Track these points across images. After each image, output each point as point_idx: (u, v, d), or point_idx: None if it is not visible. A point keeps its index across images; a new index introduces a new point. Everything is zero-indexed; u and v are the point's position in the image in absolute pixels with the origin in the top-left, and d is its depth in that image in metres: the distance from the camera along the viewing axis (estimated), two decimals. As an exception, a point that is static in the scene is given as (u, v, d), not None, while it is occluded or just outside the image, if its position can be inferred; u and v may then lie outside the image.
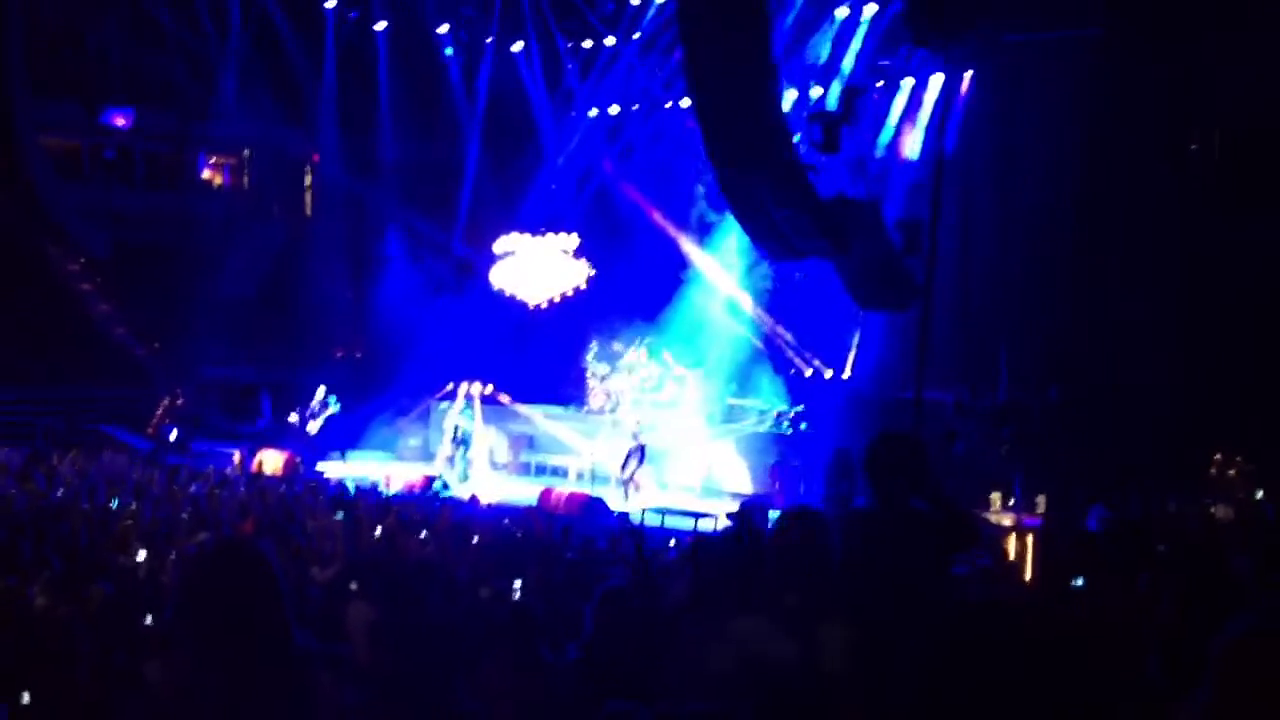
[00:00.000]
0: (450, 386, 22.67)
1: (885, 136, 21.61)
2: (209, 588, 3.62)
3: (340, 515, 11.60)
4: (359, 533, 11.04)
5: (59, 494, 13.96)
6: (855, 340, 21.16)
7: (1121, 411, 16.71)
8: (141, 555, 9.63)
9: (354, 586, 7.24)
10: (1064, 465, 16.58)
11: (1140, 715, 2.72)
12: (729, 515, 15.50)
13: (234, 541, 3.91)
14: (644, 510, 17.76)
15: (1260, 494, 15.07)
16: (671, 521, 16.88)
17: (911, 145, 21.30)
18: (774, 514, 16.60)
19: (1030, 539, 12.24)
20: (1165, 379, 16.28)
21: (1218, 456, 16.18)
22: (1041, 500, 16.59)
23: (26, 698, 4.28)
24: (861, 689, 3.43)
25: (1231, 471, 15.92)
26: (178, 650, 3.76)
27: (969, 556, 5.17)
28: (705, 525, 15.71)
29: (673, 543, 12.32)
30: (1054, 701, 2.07)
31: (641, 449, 19.42)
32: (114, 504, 13.34)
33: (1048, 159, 18.01)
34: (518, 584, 8.07)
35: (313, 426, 22.56)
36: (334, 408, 22.79)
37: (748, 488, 19.79)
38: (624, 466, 19.50)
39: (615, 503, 18.42)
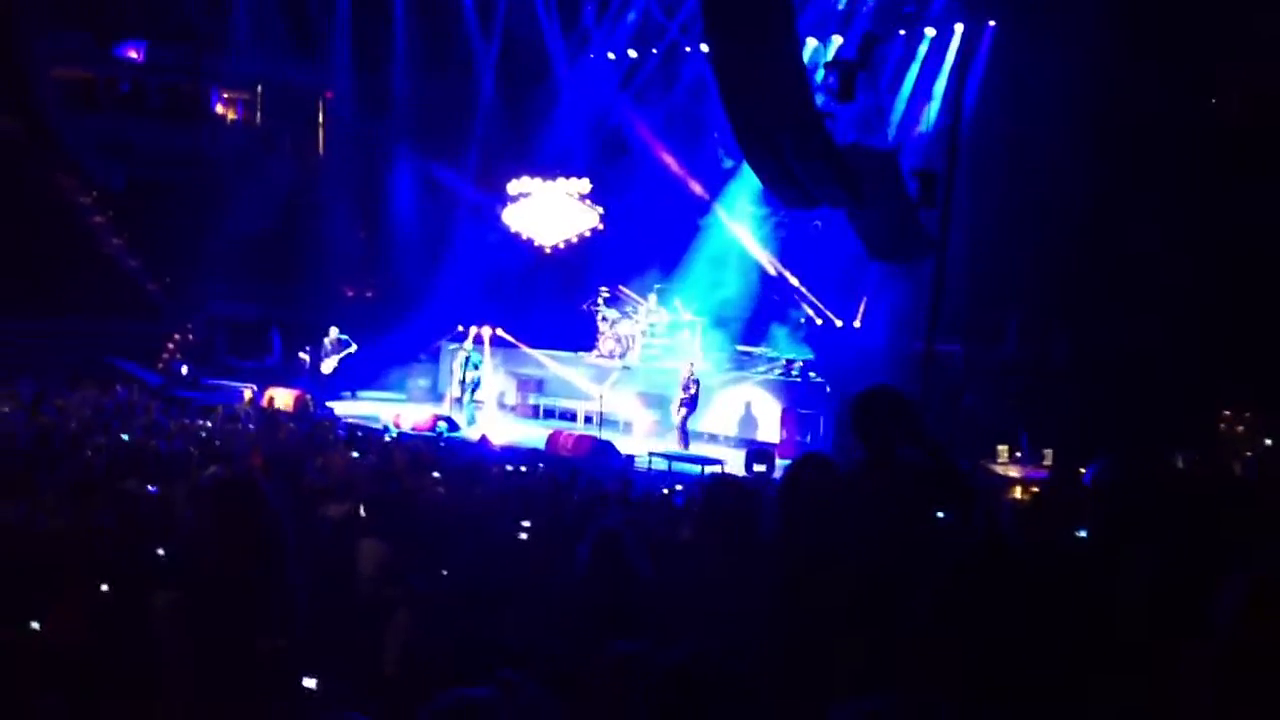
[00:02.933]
0: (460, 328, 22.68)
1: (905, 86, 21.47)
2: (212, 521, 3.67)
3: (354, 454, 11.67)
4: (371, 471, 11.10)
5: (71, 426, 14.01)
6: (867, 292, 21.10)
7: (1131, 366, 16.68)
8: (152, 488, 9.69)
9: (363, 514, 7.30)
10: (1072, 418, 16.57)
11: (1138, 658, 2.73)
12: (745, 460, 15.60)
13: (237, 477, 3.94)
14: (651, 455, 17.83)
15: (1269, 443, 15.10)
16: (679, 468, 16.96)
17: (932, 95, 21.15)
18: (781, 461, 16.74)
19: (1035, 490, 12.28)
20: (1177, 334, 16.24)
21: (1226, 412, 16.18)
22: (1048, 453, 16.61)
23: (35, 625, 4.32)
24: (856, 632, 3.45)
25: (1240, 428, 15.93)
26: (184, 581, 3.81)
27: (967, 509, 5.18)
28: (713, 471, 15.77)
29: (679, 487, 12.37)
30: (1055, 642, 2.08)
31: (693, 399, 19.27)
32: (124, 437, 13.42)
33: (1066, 112, 17.84)
34: (525, 524, 8.11)
35: (327, 365, 22.60)
36: (352, 348, 22.80)
37: (764, 435, 19.79)
38: (677, 411, 19.42)
39: (624, 446, 18.48)
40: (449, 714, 2.74)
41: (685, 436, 19.16)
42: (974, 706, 2.09)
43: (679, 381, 19.47)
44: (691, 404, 19.28)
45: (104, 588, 4.71)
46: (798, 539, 3.95)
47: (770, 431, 19.76)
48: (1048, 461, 16.26)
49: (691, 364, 19.76)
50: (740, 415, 19.90)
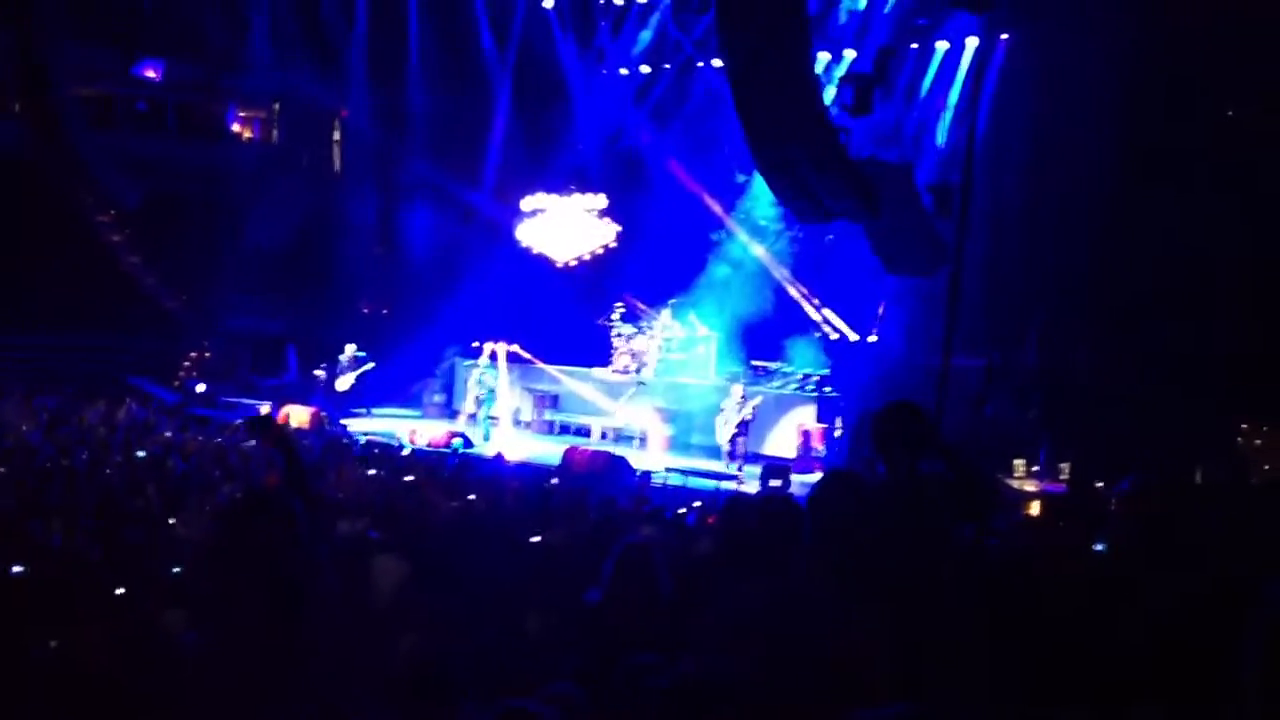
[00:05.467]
0: (476, 344, 22.70)
1: (920, 100, 21.46)
2: (235, 539, 3.66)
3: (370, 470, 11.68)
4: (386, 487, 11.11)
5: (88, 445, 14.06)
6: (883, 304, 21.06)
7: (1152, 377, 16.58)
8: (168, 506, 9.71)
9: (376, 536, 7.29)
10: (1092, 430, 16.49)
11: (1164, 672, 2.70)
12: (761, 476, 15.52)
13: (262, 494, 3.93)
14: (667, 470, 17.79)
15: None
16: (695, 483, 16.92)
17: (946, 108, 21.13)
18: (797, 477, 16.69)
19: (1052, 505, 12.21)
20: (1198, 345, 16.13)
21: (1244, 426, 16.08)
22: (1065, 467, 16.53)
23: (53, 644, 4.31)
24: (877, 650, 3.43)
25: (1259, 441, 15.82)
26: (200, 600, 3.80)
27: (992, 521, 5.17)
28: (729, 488, 15.72)
29: (697, 504, 12.33)
30: (1077, 653, 2.06)
31: (745, 422, 19.06)
32: (140, 454, 13.46)
33: (1083, 125, 17.80)
34: (535, 539, 8.09)
35: (343, 383, 22.62)
36: (369, 365, 22.82)
37: (780, 450, 19.70)
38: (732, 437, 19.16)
39: (640, 461, 18.45)
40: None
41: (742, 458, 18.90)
42: (998, 716, 2.07)
43: (734, 405, 19.17)
44: (744, 428, 19.03)
45: (122, 606, 4.72)
46: (827, 554, 3.93)
47: (787, 447, 19.70)
48: (1064, 475, 16.19)
49: (742, 389, 19.46)
50: (754, 430, 19.79)
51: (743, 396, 19.11)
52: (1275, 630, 2.00)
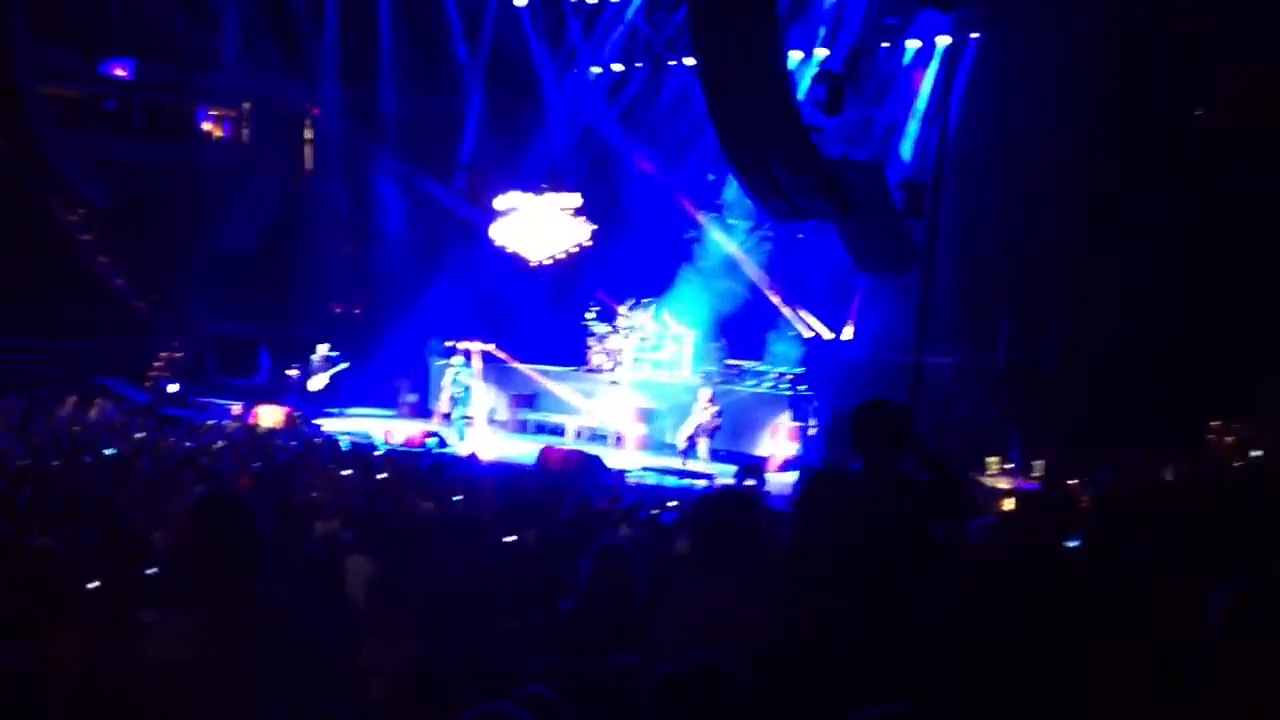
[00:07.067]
0: (450, 344, 22.66)
1: (891, 99, 21.54)
2: (196, 541, 3.66)
3: (345, 471, 11.63)
4: (360, 487, 11.07)
5: (59, 446, 13.96)
6: (856, 303, 21.14)
7: (1119, 374, 16.72)
8: (139, 507, 9.65)
9: (348, 538, 7.28)
10: (1063, 427, 16.60)
11: (1140, 666, 2.73)
12: (736, 475, 15.57)
13: (222, 497, 3.92)
14: (642, 469, 17.81)
15: (1257, 454, 15.09)
16: (670, 482, 16.94)
17: (915, 106, 21.21)
18: (773, 476, 16.73)
19: (1025, 502, 12.28)
20: (1166, 342, 16.27)
21: (1215, 422, 16.20)
22: (1039, 464, 16.62)
23: (29, 646, 4.29)
24: (846, 650, 3.45)
25: (1229, 438, 15.94)
26: (169, 600, 3.80)
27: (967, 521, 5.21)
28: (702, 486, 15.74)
29: (672, 504, 12.34)
30: (1056, 649, 2.08)
31: (711, 427, 19.11)
32: (109, 452, 13.37)
33: (1051, 123, 17.90)
34: (510, 539, 8.09)
35: (316, 383, 22.53)
36: (343, 366, 22.74)
37: (754, 449, 19.75)
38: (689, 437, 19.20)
39: (615, 460, 18.46)
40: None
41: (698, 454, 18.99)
42: (980, 714, 2.09)
43: (702, 408, 19.21)
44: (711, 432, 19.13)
45: (96, 607, 4.69)
46: (812, 551, 3.94)
47: (761, 445, 19.76)
48: (1037, 473, 16.28)
49: (711, 392, 19.51)
50: (729, 429, 19.82)
51: (710, 400, 19.15)
52: (1229, 618, 2.03)
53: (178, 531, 3.70)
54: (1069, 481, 13.10)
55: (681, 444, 19.06)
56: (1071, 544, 5.80)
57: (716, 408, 19.14)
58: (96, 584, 5.61)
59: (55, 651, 3.94)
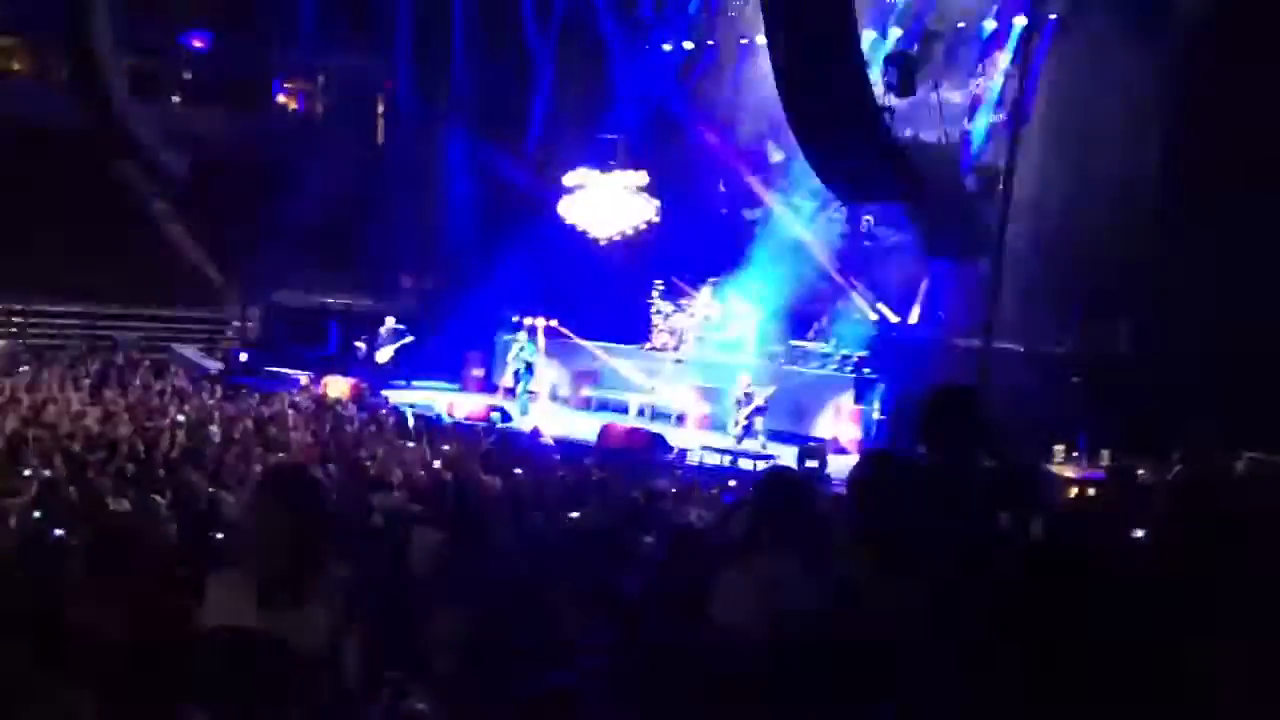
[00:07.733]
0: (515, 319, 22.75)
1: (965, 80, 21.21)
2: (264, 511, 3.73)
3: (408, 443, 11.75)
4: (426, 460, 11.19)
5: (132, 413, 14.23)
6: (924, 286, 20.91)
7: (1197, 361, 16.35)
8: (209, 475, 9.83)
9: (413, 510, 7.35)
10: (1133, 416, 16.30)
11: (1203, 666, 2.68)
12: (798, 457, 15.52)
13: (290, 469, 3.99)
14: (703, 449, 17.80)
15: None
16: (731, 462, 16.93)
17: (991, 88, 20.88)
18: (837, 459, 16.66)
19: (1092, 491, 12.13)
20: (1247, 330, 15.87)
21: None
22: (1106, 454, 16.37)
23: (71, 612, 4.34)
24: (904, 637, 3.42)
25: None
26: (235, 566, 3.87)
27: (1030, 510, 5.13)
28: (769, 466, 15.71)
29: (732, 483, 12.35)
30: (1120, 646, 2.06)
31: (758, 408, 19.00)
32: (180, 419, 13.62)
33: (1131, 109, 17.53)
34: (574, 515, 8.14)
35: (382, 355, 22.75)
36: (408, 339, 22.93)
37: (817, 430, 19.65)
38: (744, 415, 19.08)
39: (677, 439, 18.46)
40: (539, 700, 2.75)
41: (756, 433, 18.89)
42: (1038, 710, 2.08)
43: (742, 391, 19.12)
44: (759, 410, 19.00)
45: (155, 582, 4.77)
46: (872, 538, 3.91)
47: (824, 428, 19.65)
48: (1105, 462, 16.05)
49: (749, 378, 19.42)
50: (791, 410, 19.72)
51: (749, 385, 18.98)
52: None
53: (249, 501, 3.77)
54: (1138, 472, 12.89)
55: (736, 430, 18.89)
56: (1137, 534, 5.72)
57: (764, 389, 18.96)
58: (163, 552, 5.73)
59: (98, 622, 4.00)
